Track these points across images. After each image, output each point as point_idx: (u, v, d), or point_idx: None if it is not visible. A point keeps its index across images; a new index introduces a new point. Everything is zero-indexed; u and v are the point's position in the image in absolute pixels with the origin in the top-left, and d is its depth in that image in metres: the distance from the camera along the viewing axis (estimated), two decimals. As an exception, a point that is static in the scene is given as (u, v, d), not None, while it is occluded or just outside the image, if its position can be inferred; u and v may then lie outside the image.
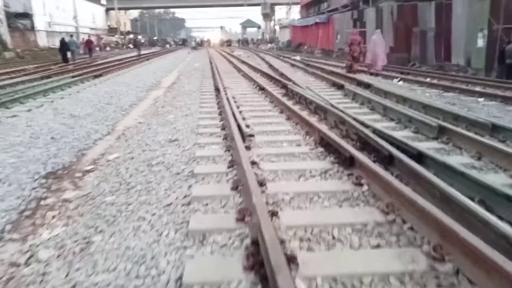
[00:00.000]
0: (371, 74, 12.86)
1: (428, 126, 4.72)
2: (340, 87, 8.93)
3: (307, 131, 4.90)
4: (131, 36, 45.38)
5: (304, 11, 46.82)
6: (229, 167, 3.66)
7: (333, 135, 4.18)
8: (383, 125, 5.27)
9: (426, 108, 5.99)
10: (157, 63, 23.16)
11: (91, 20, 50.10)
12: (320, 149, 4.19)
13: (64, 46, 21.38)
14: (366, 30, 23.69)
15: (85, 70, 14.40)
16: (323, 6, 38.15)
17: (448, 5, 16.88)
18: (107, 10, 57.66)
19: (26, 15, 34.36)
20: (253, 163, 3.61)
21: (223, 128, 5.27)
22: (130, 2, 58.79)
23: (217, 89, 9.20)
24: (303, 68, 15.45)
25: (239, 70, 15.12)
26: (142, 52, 30.60)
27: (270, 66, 16.82)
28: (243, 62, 19.29)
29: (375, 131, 4.38)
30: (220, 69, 15.22)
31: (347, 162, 3.48)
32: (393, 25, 20.73)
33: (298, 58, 21.45)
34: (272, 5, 59.56)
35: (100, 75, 13.57)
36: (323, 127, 4.78)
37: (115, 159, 4.81)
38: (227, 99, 7.27)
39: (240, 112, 6.19)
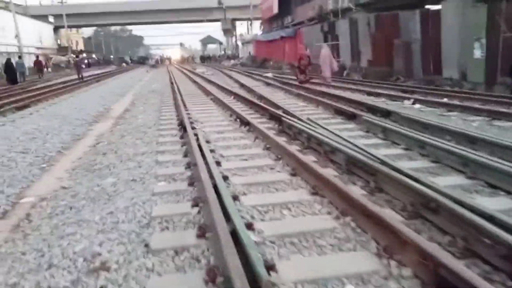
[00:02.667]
0: (327, 85, 13.62)
1: None
2: (351, 116, 6.55)
3: (377, 237, 2.32)
4: (73, 55, 40.30)
5: (267, 25, 45.15)
6: None
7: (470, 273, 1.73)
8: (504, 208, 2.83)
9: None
10: (109, 84, 20.12)
11: (37, 39, 45.85)
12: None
13: (10, 68, 19.20)
14: (339, 43, 22.03)
15: (6, 100, 10.94)
16: (287, 20, 36.53)
17: (436, 13, 15.30)
18: (56, 28, 53.43)
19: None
20: None
21: (201, 234, 2.55)
22: (81, 19, 55.06)
23: (181, 124, 6.60)
24: (282, 88, 13.10)
25: (206, 92, 12.47)
26: (93, 72, 27.38)
27: (242, 85, 14.38)
28: (209, 82, 16.71)
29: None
30: (184, 91, 12.57)
31: None
32: (371, 37, 19.09)
33: (270, 75, 19.17)
34: (233, 20, 57.68)
35: (27, 106, 10.30)
36: (412, 234, 2.32)
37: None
38: (199, 146, 4.71)
39: (225, 178, 3.58)
